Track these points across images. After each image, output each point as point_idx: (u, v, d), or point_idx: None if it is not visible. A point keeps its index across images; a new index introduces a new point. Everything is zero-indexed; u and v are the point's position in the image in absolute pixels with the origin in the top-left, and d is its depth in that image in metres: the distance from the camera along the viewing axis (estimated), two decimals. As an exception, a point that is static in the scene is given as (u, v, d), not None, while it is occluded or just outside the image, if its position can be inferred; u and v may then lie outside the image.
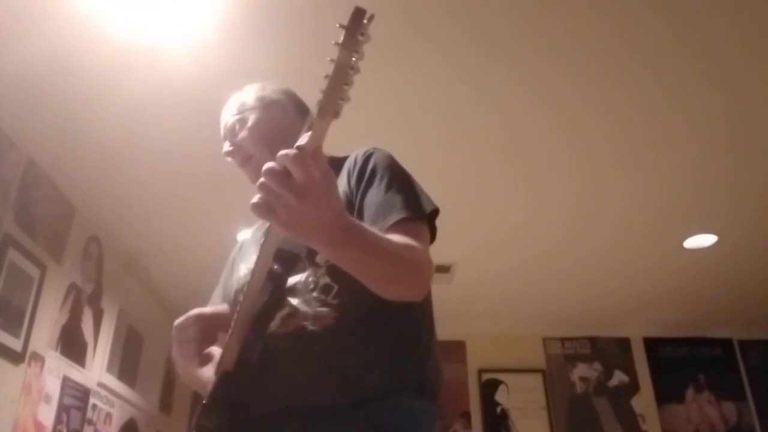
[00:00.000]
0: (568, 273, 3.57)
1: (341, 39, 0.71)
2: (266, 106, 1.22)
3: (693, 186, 2.73)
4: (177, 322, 1.06)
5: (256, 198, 0.74)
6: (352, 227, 0.82)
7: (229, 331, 0.97)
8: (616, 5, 1.83)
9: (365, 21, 0.70)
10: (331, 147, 1.11)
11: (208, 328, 1.04)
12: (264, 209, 0.74)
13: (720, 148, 2.48)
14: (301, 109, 1.27)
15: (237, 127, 1.21)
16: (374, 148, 1.12)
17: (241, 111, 1.22)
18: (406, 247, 0.92)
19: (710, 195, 2.80)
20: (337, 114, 0.72)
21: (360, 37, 0.70)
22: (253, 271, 0.95)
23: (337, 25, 0.71)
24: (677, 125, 2.35)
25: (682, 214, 2.95)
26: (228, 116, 1.24)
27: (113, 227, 3.03)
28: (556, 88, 2.16)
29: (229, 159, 1.22)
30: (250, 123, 1.20)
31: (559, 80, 2.12)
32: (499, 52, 2.00)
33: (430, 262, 0.96)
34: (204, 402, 0.95)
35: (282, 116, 1.22)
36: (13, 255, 2.29)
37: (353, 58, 0.71)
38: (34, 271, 2.44)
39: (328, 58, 0.71)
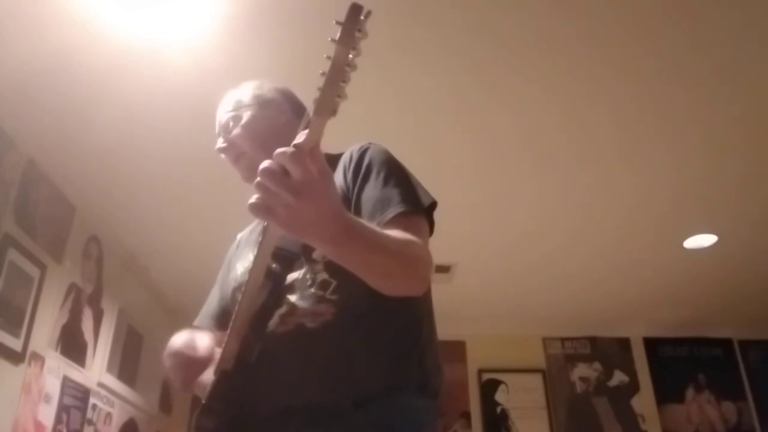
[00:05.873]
0: (568, 274, 3.56)
1: (338, 36, 0.69)
2: (262, 104, 1.22)
3: (693, 186, 2.73)
4: (167, 346, 1.06)
5: (253, 198, 0.73)
6: (351, 224, 0.81)
7: (228, 330, 0.97)
8: (628, 1, 1.82)
9: (362, 17, 0.69)
10: (337, 143, 1.11)
11: (186, 364, 1.03)
12: (262, 209, 0.73)
13: (721, 148, 2.47)
14: (297, 109, 1.26)
15: (231, 123, 1.20)
16: (370, 143, 1.11)
17: (237, 108, 1.21)
18: (405, 242, 0.91)
19: (710, 195, 2.80)
20: (334, 112, 0.71)
21: (357, 34, 0.69)
22: (251, 270, 0.94)
23: (334, 22, 0.69)
24: (682, 126, 2.35)
25: (683, 214, 2.95)
26: (223, 113, 1.23)
27: (113, 227, 3.03)
28: (566, 84, 2.15)
29: (222, 155, 1.21)
30: (244, 120, 1.19)
31: (570, 77, 2.11)
32: (509, 47, 1.99)
33: (429, 257, 0.96)
34: (203, 402, 0.94)
35: (277, 115, 1.21)
36: (13, 255, 2.29)
37: (350, 55, 0.70)
38: (34, 271, 2.44)
39: (325, 56, 0.70)
